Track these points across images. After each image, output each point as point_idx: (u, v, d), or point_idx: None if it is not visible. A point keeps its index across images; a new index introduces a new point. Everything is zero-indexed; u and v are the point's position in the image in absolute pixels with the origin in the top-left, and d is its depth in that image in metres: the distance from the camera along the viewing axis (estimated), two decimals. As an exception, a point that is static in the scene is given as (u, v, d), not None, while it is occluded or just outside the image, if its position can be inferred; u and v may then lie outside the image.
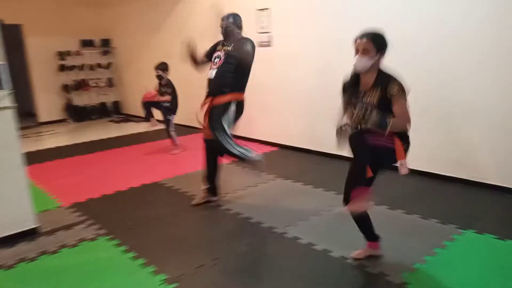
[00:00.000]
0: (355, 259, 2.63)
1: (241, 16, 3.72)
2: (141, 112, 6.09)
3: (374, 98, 2.30)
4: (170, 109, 5.65)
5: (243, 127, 6.11)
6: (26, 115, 8.58)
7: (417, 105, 3.98)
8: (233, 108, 3.53)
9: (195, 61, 3.71)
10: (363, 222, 2.57)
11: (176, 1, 7.23)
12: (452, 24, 3.76)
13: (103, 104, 9.53)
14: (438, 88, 3.95)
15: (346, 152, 2.37)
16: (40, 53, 8.56)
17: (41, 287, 2.54)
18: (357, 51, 2.31)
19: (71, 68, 8.94)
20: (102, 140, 6.97)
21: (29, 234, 3.20)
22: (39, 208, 3.58)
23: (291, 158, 5.27)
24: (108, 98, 9.61)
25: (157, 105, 5.71)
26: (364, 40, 2.28)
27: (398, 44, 4.07)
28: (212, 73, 3.54)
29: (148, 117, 5.84)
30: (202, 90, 3.74)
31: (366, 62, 2.29)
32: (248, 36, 3.65)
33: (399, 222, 3.21)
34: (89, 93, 9.30)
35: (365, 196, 2.31)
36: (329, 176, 4.33)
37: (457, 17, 3.72)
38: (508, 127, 3.57)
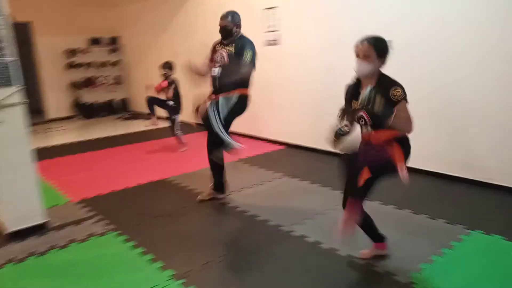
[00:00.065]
0: (362, 258, 2.64)
1: (244, 15, 3.71)
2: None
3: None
4: (175, 108, 5.67)
5: (251, 126, 6.17)
6: (35, 111, 8.66)
7: (424, 105, 4.00)
8: (234, 99, 3.48)
9: (201, 74, 3.69)
10: (366, 226, 2.58)
11: (183, 1, 7.26)
12: (455, 23, 3.75)
13: (111, 102, 9.60)
14: (444, 89, 3.93)
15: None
16: (49, 51, 8.64)
17: (51, 281, 2.58)
18: (357, 56, 2.30)
19: (80, 65, 9.02)
20: (110, 137, 7.02)
21: (39, 229, 3.24)
22: (48, 203, 3.62)
23: (298, 157, 5.27)
24: (116, 95, 9.67)
25: (162, 104, 5.74)
26: (365, 45, 2.27)
27: (404, 44, 4.09)
28: (215, 71, 3.54)
29: (152, 112, 5.85)
30: (207, 88, 3.73)
31: (367, 67, 2.28)
32: (247, 35, 3.63)
33: (407, 222, 3.20)
34: (97, 91, 9.37)
35: (352, 220, 2.36)
36: (336, 175, 4.32)
37: (463, 16, 3.71)
38: (514, 127, 3.56)
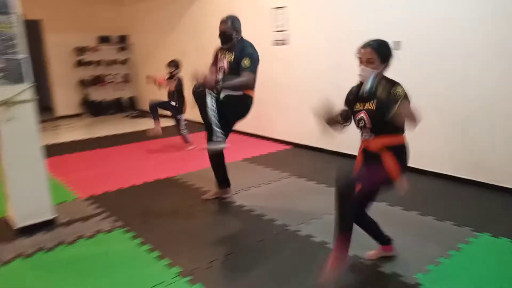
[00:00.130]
0: (368, 259, 2.63)
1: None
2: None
3: (373, 105, 2.30)
4: (178, 108, 5.68)
5: (258, 125, 6.18)
6: (44, 109, 8.74)
7: (431, 106, 3.99)
8: (239, 92, 3.43)
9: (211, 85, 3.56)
10: (371, 231, 2.58)
11: (191, 0, 7.28)
12: (461, 24, 3.73)
13: (119, 100, 9.66)
14: (451, 89, 3.91)
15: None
16: (58, 49, 8.72)
17: (59, 276, 2.60)
18: (360, 61, 2.28)
19: (89, 63, 9.09)
20: (117, 135, 7.07)
21: (47, 225, 3.27)
22: (56, 199, 3.66)
23: (305, 157, 5.27)
24: (124, 93, 9.73)
25: (165, 106, 5.77)
26: (368, 49, 2.25)
27: (411, 43, 4.08)
28: (219, 77, 3.54)
29: (155, 118, 5.83)
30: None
31: (370, 73, 2.26)
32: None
33: (414, 223, 3.19)
34: (106, 89, 9.43)
35: (341, 260, 2.26)
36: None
37: (466, 17, 3.69)
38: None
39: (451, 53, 3.89)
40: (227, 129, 3.62)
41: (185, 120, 5.83)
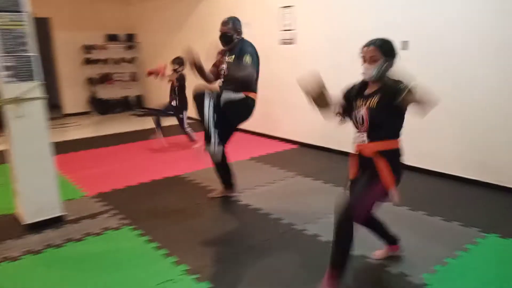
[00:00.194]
0: (375, 259, 2.63)
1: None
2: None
3: (374, 103, 2.24)
4: (179, 107, 5.66)
5: (265, 124, 6.19)
6: (52, 106, 8.79)
7: (440, 106, 3.93)
8: (240, 95, 3.42)
9: (203, 74, 3.54)
10: (378, 233, 2.58)
11: (199, 0, 7.30)
12: (466, 24, 3.72)
13: (126, 98, 9.70)
14: (458, 89, 3.90)
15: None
16: (66, 47, 8.77)
17: (68, 272, 2.63)
18: (364, 60, 2.25)
19: (96, 61, 9.14)
20: (124, 133, 7.11)
21: (56, 222, 3.30)
22: (64, 197, 3.67)
23: (311, 156, 5.27)
24: (131, 92, 9.77)
25: (165, 113, 5.77)
26: (371, 48, 2.21)
27: (421, 43, 4.07)
28: (221, 82, 3.56)
29: (158, 126, 5.83)
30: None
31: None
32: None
33: (421, 224, 3.18)
34: (113, 87, 9.47)
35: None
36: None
37: (471, 17, 3.67)
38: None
39: (459, 53, 3.88)
40: (229, 131, 3.64)
41: (190, 118, 5.82)
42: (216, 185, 3.97)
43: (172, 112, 5.77)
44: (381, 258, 2.63)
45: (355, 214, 2.17)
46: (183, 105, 5.70)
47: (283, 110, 5.97)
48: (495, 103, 3.69)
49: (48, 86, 3.38)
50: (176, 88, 5.67)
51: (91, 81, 9.19)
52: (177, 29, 8.08)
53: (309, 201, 3.73)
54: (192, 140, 5.75)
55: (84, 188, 4.17)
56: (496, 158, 3.78)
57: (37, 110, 3.14)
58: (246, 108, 3.51)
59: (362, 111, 2.27)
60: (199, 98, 3.37)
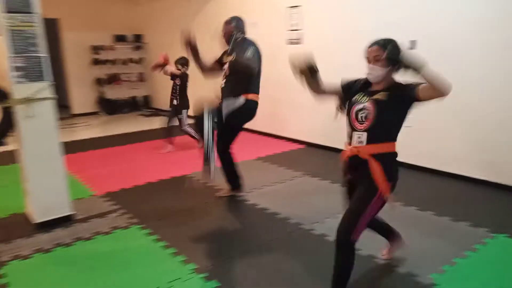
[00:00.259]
0: (383, 258, 2.63)
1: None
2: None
3: (383, 96, 2.16)
4: (178, 107, 5.60)
5: (272, 124, 6.19)
6: (60, 106, 8.86)
7: (449, 107, 3.95)
8: (240, 101, 3.44)
9: (197, 57, 3.57)
10: (379, 232, 2.58)
11: (206, 0, 7.32)
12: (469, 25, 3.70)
13: (134, 98, 9.76)
14: (470, 90, 3.87)
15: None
16: (75, 47, 8.85)
17: (78, 271, 2.65)
18: (368, 60, 2.21)
19: (104, 62, 9.20)
20: (132, 133, 7.15)
21: (65, 221, 3.34)
22: (73, 196, 3.71)
23: (318, 156, 5.27)
24: (139, 92, 9.83)
25: (172, 114, 5.68)
26: (374, 47, 2.18)
27: (430, 43, 4.05)
28: (223, 82, 3.57)
29: (168, 136, 5.76)
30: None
31: (379, 71, 2.16)
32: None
33: (429, 224, 3.17)
34: (121, 87, 9.53)
35: None
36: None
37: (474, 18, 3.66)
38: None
39: (468, 53, 3.85)
40: (234, 133, 3.67)
41: (190, 117, 5.76)
42: (223, 185, 3.98)
43: (172, 111, 5.70)
44: (389, 257, 2.63)
45: (355, 238, 2.12)
46: (183, 105, 5.63)
47: (290, 110, 5.97)
48: (504, 104, 3.67)
49: (57, 86, 3.40)
50: (178, 87, 5.64)
51: (99, 82, 9.26)
52: (184, 30, 8.10)
53: (316, 201, 3.73)
54: (194, 139, 5.70)
55: (92, 187, 4.20)
56: (505, 158, 3.76)
57: (47, 110, 3.17)
58: (248, 112, 3.54)
59: (366, 106, 2.17)
60: (199, 122, 3.36)
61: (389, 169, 2.16)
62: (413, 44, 4.11)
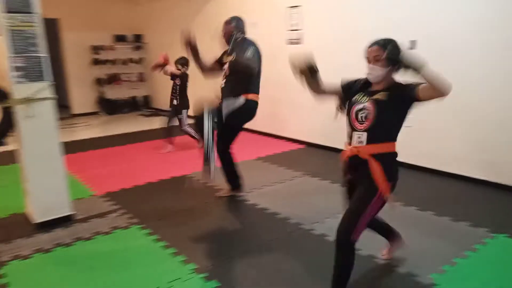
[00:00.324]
0: (384, 258, 2.63)
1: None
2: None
3: (383, 96, 2.16)
4: (178, 107, 5.59)
5: (272, 124, 6.19)
6: (60, 106, 8.86)
7: (449, 107, 3.95)
8: (240, 101, 3.44)
9: (197, 57, 3.57)
10: (379, 232, 2.57)
11: (206, 0, 7.32)
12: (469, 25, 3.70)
13: (134, 98, 9.76)
14: (470, 90, 3.88)
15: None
16: (75, 47, 8.85)
17: (78, 271, 2.65)
18: (368, 61, 2.21)
19: (104, 62, 9.20)
20: (132, 133, 7.15)
21: (65, 221, 3.34)
22: (73, 196, 3.71)
23: (318, 156, 5.27)
24: (139, 92, 9.83)
25: (171, 114, 5.67)
26: (374, 47, 2.18)
27: (430, 43, 4.05)
28: (222, 82, 3.57)
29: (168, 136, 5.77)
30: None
31: (379, 71, 2.15)
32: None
33: (429, 224, 3.17)
34: (121, 87, 9.54)
35: None
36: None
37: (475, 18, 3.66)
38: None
39: (468, 53, 3.86)
40: (234, 133, 3.67)
41: (190, 117, 5.76)
42: (223, 185, 3.98)
43: (172, 111, 5.69)
44: (389, 257, 2.63)
45: (355, 238, 2.11)
46: (183, 105, 5.62)
47: (290, 110, 5.97)
48: (505, 105, 3.67)
49: (57, 86, 3.41)
50: (178, 87, 5.64)
51: (99, 82, 9.26)
52: (184, 30, 8.10)
53: (316, 201, 3.73)
54: (195, 138, 5.69)
55: (92, 187, 4.20)
56: (505, 158, 3.76)
57: (47, 110, 3.17)
58: (248, 112, 3.54)
59: (366, 106, 2.16)
60: (200, 123, 3.37)
61: (389, 169, 2.15)
62: (413, 44, 4.11)
